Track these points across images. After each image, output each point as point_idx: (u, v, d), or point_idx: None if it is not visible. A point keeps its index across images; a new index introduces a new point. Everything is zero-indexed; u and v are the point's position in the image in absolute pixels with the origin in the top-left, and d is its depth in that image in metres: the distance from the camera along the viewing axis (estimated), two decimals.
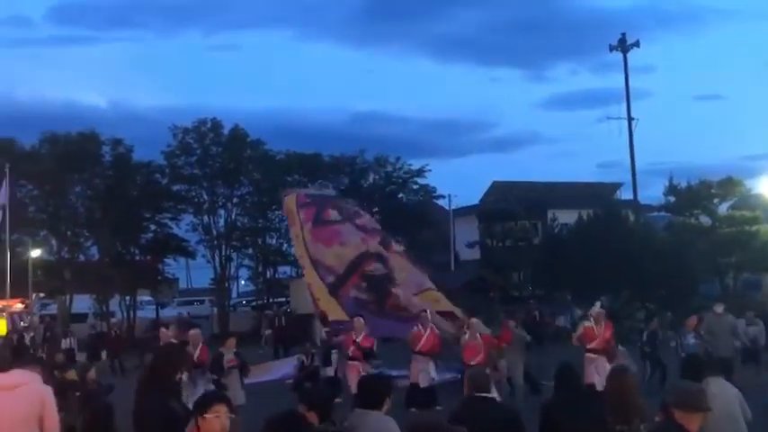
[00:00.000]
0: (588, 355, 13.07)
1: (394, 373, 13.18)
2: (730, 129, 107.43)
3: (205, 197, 39.64)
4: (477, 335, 12.45)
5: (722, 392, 6.05)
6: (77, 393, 9.44)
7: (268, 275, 42.48)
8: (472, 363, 11.88)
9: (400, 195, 43.25)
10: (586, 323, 13.78)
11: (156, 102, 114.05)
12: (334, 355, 15.76)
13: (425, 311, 15.28)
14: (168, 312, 38.94)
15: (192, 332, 12.95)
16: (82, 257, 37.49)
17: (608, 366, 12.52)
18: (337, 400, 14.37)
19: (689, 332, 14.91)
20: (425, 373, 13.82)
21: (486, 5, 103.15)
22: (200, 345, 12.62)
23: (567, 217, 37.44)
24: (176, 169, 38.81)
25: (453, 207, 43.33)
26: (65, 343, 25.19)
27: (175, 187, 39.16)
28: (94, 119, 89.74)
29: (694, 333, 14.69)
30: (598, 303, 14.19)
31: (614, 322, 16.26)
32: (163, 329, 14.45)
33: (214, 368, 11.86)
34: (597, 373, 12.19)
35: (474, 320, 12.59)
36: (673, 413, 4.56)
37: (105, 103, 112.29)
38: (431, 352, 14.14)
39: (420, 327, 14.45)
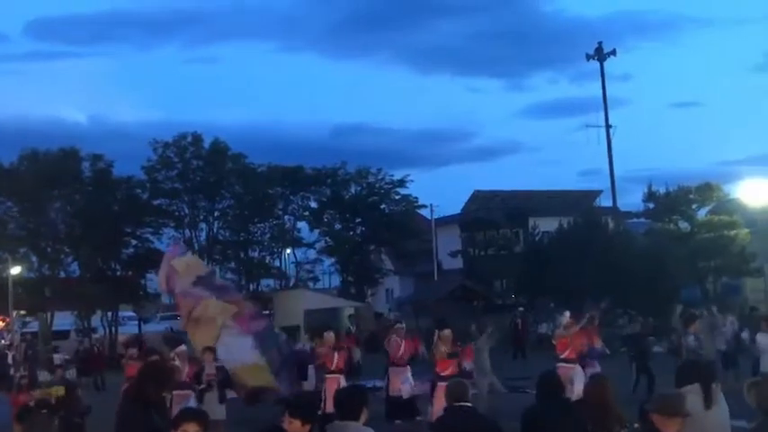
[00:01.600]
0: (561, 364, 13.01)
1: (369, 384, 13.14)
2: (708, 135, 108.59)
3: (186, 211, 39.48)
4: (449, 346, 12.40)
5: (720, 399, 6.01)
6: (45, 411, 9.31)
7: (251, 288, 42.29)
8: (443, 374, 11.81)
9: (382, 206, 43.28)
10: (558, 332, 13.77)
11: (137, 116, 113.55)
12: (311, 370, 15.53)
13: (401, 323, 15.41)
14: (151, 328, 38.62)
15: (179, 349, 12.84)
16: (63, 274, 37.15)
17: (582, 375, 12.60)
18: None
19: (690, 333, 14.86)
20: (407, 383, 13.77)
21: (466, 17, 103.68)
22: (188, 361, 12.54)
23: (547, 225, 37.60)
24: (157, 184, 38.63)
25: (435, 217, 43.43)
26: (57, 359, 25.04)
27: (156, 201, 38.98)
28: (75, 135, 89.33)
29: (694, 335, 14.64)
30: (567, 313, 14.14)
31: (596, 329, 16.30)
32: (130, 350, 14.22)
33: (195, 382, 11.77)
34: (571, 382, 12.15)
35: (446, 332, 12.49)
36: (652, 419, 4.56)
37: (85, 118, 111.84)
38: (406, 362, 14.12)
39: (396, 337, 14.42)
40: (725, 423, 5.89)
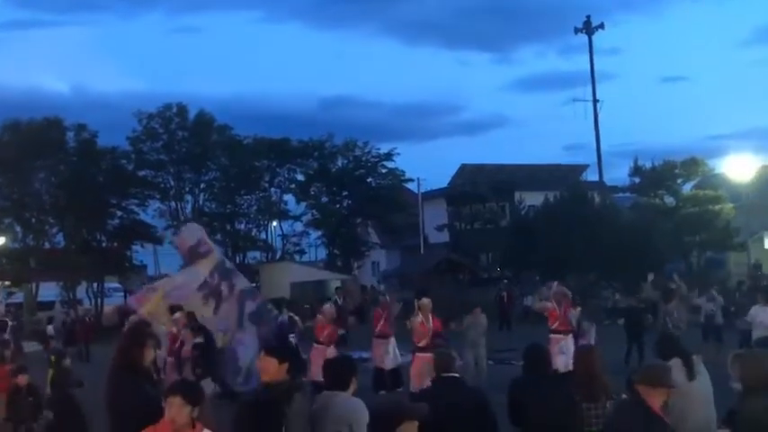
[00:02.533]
0: (553, 335, 13.14)
1: (357, 355, 13.19)
2: (695, 110, 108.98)
3: (172, 183, 39.30)
4: (429, 316, 12.38)
5: (702, 370, 6.09)
6: (31, 399, 9.24)
7: (237, 261, 42.23)
8: (420, 345, 11.86)
9: (369, 179, 43.21)
10: (548, 304, 13.83)
11: (120, 87, 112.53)
12: (293, 339, 15.56)
13: (383, 295, 15.49)
14: None
15: (175, 315, 12.92)
16: (47, 245, 36.97)
17: (571, 346, 12.71)
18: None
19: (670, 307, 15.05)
20: (389, 355, 13.85)
21: None
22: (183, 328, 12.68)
23: (534, 199, 37.72)
24: (142, 155, 38.39)
25: (422, 191, 43.42)
26: (50, 330, 24.99)
27: (141, 173, 38.76)
28: (58, 105, 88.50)
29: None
30: (555, 283, 14.24)
31: (582, 301, 16.44)
32: (132, 317, 14.17)
33: (175, 357, 11.78)
34: (562, 352, 12.26)
35: (424, 301, 12.49)
36: (638, 389, 4.61)
37: (68, 88, 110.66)
38: (389, 333, 14.18)
39: (379, 309, 14.52)
40: (708, 393, 6.01)
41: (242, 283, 13.11)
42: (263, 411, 4.17)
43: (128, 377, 5.16)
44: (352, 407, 5.02)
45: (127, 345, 5.32)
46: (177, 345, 12.40)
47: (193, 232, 13.14)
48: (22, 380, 9.30)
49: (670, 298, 15.62)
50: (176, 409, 4.26)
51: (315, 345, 13.63)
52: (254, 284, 39.05)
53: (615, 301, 27.21)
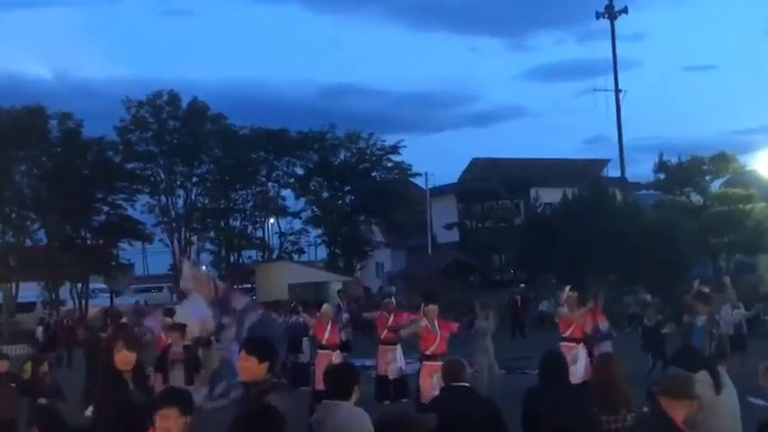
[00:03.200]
0: (564, 344, 13.13)
1: (359, 363, 13.25)
2: (724, 101, 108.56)
3: (162, 176, 39.37)
4: (435, 322, 12.42)
5: (728, 381, 6.08)
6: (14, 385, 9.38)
7: (232, 260, 42.35)
8: (427, 353, 11.87)
9: (373, 174, 43.26)
10: (560, 309, 13.85)
11: (107, 73, 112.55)
12: (306, 342, 15.97)
13: (389, 298, 15.56)
14: (123, 301, 38.68)
15: (149, 320, 13.02)
16: (29, 242, 37.10)
17: (585, 355, 12.72)
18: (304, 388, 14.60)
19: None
20: (393, 363, 13.89)
21: None
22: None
23: (550, 196, 37.71)
24: (130, 146, 38.46)
25: (430, 186, 43.46)
26: (38, 332, 25.09)
27: (130, 165, 38.84)
28: (40, 92, 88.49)
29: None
30: (567, 288, 14.24)
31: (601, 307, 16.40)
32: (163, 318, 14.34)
33: (159, 365, 11.81)
34: (574, 362, 12.27)
35: (430, 307, 12.54)
36: (659, 401, 4.62)
37: (51, 74, 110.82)
38: (395, 340, 14.22)
39: (385, 313, 14.52)
40: (735, 407, 6.02)
41: (239, 302, 13.27)
42: (265, 419, 4.21)
43: (108, 382, 5.26)
44: (355, 417, 5.06)
45: (104, 349, 5.45)
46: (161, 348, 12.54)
47: (187, 277, 13.19)
48: (2, 366, 9.44)
49: (708, 301, 15.54)
50: (172, 422, 4.29)
51: (319, 351, 13.71)
52: (249, 285, 39.46)
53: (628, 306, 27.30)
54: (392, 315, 14.37)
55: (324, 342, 13.65)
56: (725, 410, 5.87)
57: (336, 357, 13.24)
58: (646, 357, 16.47)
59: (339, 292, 28.64)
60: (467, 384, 5.84)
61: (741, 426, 5.99)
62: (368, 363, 15.02)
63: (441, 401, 5.71)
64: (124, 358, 5.42)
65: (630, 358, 14.01)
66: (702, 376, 5.75)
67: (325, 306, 14.53)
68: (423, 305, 12.72)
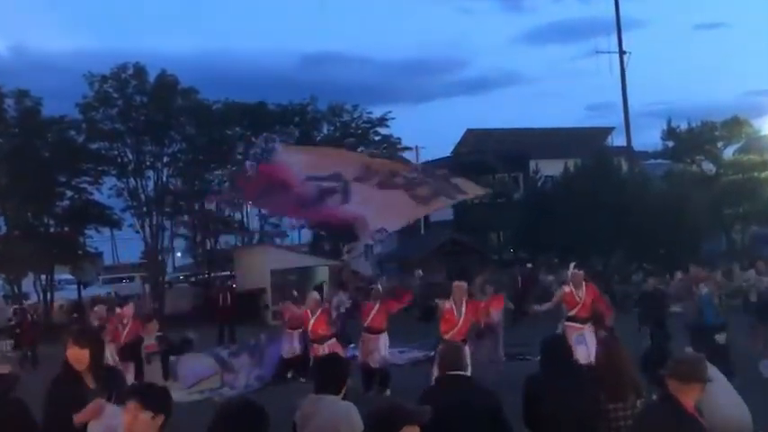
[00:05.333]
0: (569, 324, 13.22)
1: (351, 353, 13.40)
2: (736, 61, 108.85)
3: (130, 156, 39.13)
4: (463, 303, 12.34)
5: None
6: None
7: (208, 246, 42.32)
8: (447, 336, 11.86)
9: (360, 149, 43.16)
10: (565, 288, 13.92)
11: (67, 46, 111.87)
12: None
13: (375, 284, 15.71)
14: (92, 292, 38.69)
15: (124, 309, 13.17)
16: None
17: (593, 336, 12.82)
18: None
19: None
20: (376, 352, 13.98)
21: None
22: (129, 324, 12.96)
23: (551, 168, 37.80)
24: (94, 124, 38.20)
25: (421, 161, 43.43)
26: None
27: (94, 145, 38.60)
28: None
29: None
30: (573, 264, 14.36)
31: (607, 286, 16.59)
32: (96, 308, 14.50)
33: (131, 356, 11.91)
34: (581, 344, 12.37)
35: (457, 284, 12.52)
36: (668, 386, 4.66)
37: (6, 48, 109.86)
38: (380, 328, 14.28)
39: (371, 301, 14.63)
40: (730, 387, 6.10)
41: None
42: (246, 416, 4.24)
43: (67, 378, 5.33)
44: (344, 411, 5.11)
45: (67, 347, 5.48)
46: (124, 339, 12.70)
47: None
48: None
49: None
50: (131, 417, 4.28)
51: (313, 344, 13.87)
52: (228, 273, 39.49)
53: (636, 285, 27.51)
54: (378, 303, 14.44)
55: (309, 335, 13.96)
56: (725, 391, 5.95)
57: (330, 348, 13.31)
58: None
59: (322, 283, 28.85)
60: (465, 373, 5.88)
61: (746, 408, 6.07)
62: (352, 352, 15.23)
63: (436, 392, 5.74)
64: (74, 355, 5.39)
65: (637, 341, 14.18)
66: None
67: (310, 294, 14.59)
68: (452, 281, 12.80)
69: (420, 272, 33.57)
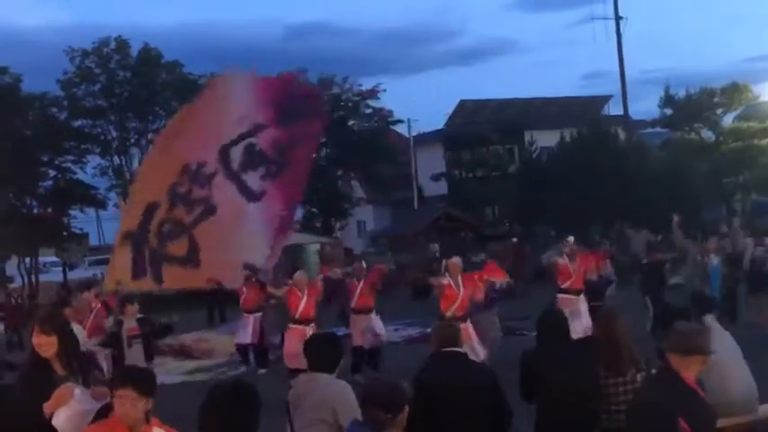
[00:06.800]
0: (562, 296, 13.30)
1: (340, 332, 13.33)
2: (735, 25, 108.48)
3: (114, 133, 39.02)
4: (460, 279, 12.33)
5: (727, 336, 6.19)
6: None
7: None
8: (448, 314, 11.80)
9: (350, 122, 43.08)
10: (559, 259, 14.02)
11: (46, 20, 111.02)
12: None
13: (361, 261, 15.40)
14: (78, 274, 38.59)
15: (84, 295, 13.16)
16: None
17: (586, 307, 12.91)
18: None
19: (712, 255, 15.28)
20: (367, 332, 13.76)
21: None
22: (94, 310, 12.97)
23: (547, 139, 37.79)
24: (77, 101, 38.04)
25: (414, 133, 43.43)
26: None
27: (77, 123, 38.46)
28: None
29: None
30: (571, 237, 14.47)
31: (606, 257, 16.72)
32: (86, 293, 14.31)
33: (109, 341, 11.87)
34: (576, 317, 12.43)
35: (454, 260, 12.49)
36: (669, 359, 4.64)
37: None
38: (369, 307, 14.10)
39: (356, 280, 14.37)
40: (739, 359, 6.12)
41: None
42: (239, 398, 4.24)
43: (36, 364, 5.34)
44: (339, 390, 5.12)
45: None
46: (90, 322, 12.69)
47: None
48: None
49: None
50: (129, 404, 4.29)
51: (290, 325, 13.34)
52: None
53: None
54: (362, 281, 14.25)
55: (297, 316, 13.23)
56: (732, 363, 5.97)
57: (311, 332, 13.01)
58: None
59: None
60: (459, 350, 5.88)
61: (753, 382, 6.08)
62: (341, 331, 15.20)
63: (431, 370, 5.74)
64: (39, 342, 5.34)
65: (635, 311, 14.26)
66: (709, 320, 5.81)
67: (298, 273, 13.94)
68: (445, 260, 12.71)
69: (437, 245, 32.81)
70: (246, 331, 15.89)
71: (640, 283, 17.21)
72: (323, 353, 5.28)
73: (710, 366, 4.76)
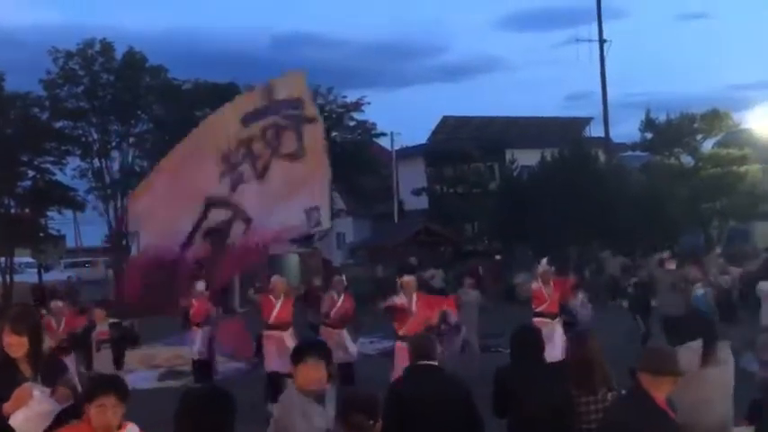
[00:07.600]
0: (537, 319, 13.31)
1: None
2: (717, 53, 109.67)
3: (95, 136, 38.85)
4: (414, 297, 12.02)
5: (729, 361, 6.14)
6: None
7: None
8: (401, 333, 11.51)
9: (333, 134, 43.05)
10: (534, 284, 14.09)
11: (31, 19, 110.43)
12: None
13: (341, 276, 15.18)
14: (54, 276, 38.40)
15: (54, 304, 13.13)
16: None
17: (561, 332, 12.98)
18: None
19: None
20: (340, 347, 13.29)
21: None
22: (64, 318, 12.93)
23: (528, 158, 37.98)
24: (59, 102, 37.87)
25: (396, 147, 43.48)
26: None
27: (58, 124, 38.27)
28: None
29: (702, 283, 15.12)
30: (544, 260, 14.51)
31: (581, 278, 16.83)
32: (56, 302, 14.12)
33: (78, 346, 11.81)
34: (549, 340, 12.45)
35: (406, 279, 12.15)
36: (640, 379, 4.71)
37: None
38: (343, 321, 13.99)
39: (334, 293, 14.26)
40: (728, 386, 6.08)
41: None
42: (214, 403, 4.26)
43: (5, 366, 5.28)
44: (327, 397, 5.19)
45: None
46: (61, 329, 12.63)
47: None
48: None
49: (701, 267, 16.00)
50: (110, 412, 4.28)
51: (266, 331, 13.16)
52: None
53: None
54: (342, 297, 14.11)
55: (271, 321, 13.04)
56: (712, 386, 5.97)
57: (288, 338, 12.74)
58: (631, 329, 16.91)
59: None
60: (435, 363, 5.93)
61: (732, 406, 6.10)
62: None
63: (405, 383, 5.79)
64: (10, 342, 5.26)
65: (611, 331, 14.37)
66: (696, 345, 5.86)
67: (275, 278, 13.73)
68: (398, 277, 12.41)
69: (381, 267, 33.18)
70: (200, 346, 15.41)
71: (629, 303, 17.72)
72: None
73: (686, 385, 4.81)
